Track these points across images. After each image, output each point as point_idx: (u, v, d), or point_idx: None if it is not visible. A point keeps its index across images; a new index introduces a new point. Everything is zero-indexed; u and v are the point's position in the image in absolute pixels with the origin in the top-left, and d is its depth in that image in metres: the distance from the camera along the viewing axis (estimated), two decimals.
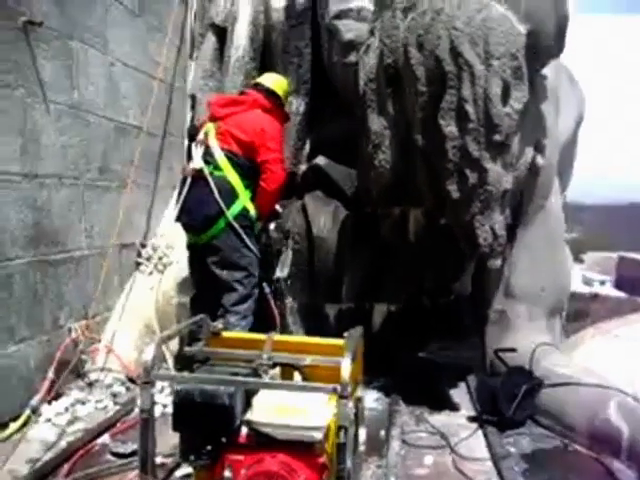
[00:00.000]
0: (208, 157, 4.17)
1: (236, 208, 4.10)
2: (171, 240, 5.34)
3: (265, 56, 5.55)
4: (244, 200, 4.14)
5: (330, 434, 2.36)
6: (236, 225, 4.06)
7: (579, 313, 6.47)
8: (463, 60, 3.62)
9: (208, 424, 2.32)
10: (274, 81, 4.56)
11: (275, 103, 4.43)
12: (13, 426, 3.55)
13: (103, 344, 4.54)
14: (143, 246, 5.26)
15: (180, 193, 4.27)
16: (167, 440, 2.77)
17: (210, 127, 4.28)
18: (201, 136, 4.28)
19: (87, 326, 4.41)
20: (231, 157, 4.16)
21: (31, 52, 3.83)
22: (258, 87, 4.51)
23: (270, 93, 4.44)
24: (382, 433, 3.80)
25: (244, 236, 4.09)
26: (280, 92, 4.50)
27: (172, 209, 5.55)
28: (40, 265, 3.95)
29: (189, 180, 4.20)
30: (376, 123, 4.08)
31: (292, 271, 4.72)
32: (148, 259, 5.21)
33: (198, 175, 4.15)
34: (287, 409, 2.36)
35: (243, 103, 4.37)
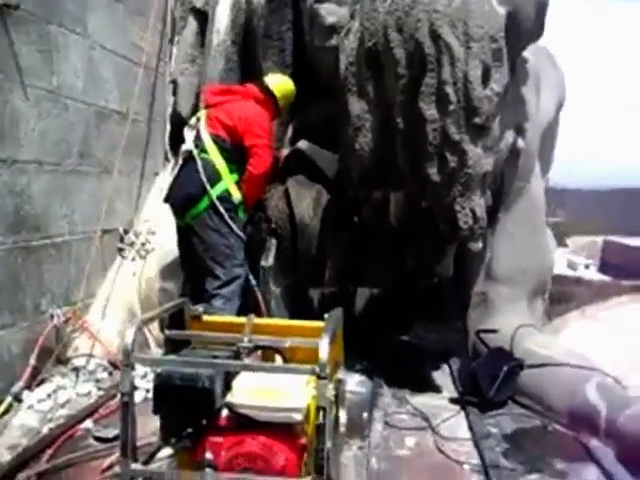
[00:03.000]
0: (198, 141, 4.27)
1: (219, 189, 4.15)
2: (154, 226, 5.32)
3: (247, 40, 5.52)
4: (228, 183, 4.18)
5: (310, 415, 2.38)
6: (218, 205, 4.09)
7: (563, 296, 6.50)
8: (443, 43, 3.63)
9: (189, 407, 2.34)
10: (276, 81, 4.62)
11: (268, 98, 4.47)
12: None
13: (86, 330, 4.52)
14: (126, 232, 5.23)
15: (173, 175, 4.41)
16: (149, 425, 2.77)
17: (202, 113, 4.42)
18: (193, 121, 4.44)
19: (72, 312, 4.39)
20: (218, 141, 4.25)
21: (8, 36, 3.77)
22: (258, 82, 4.58)
23: (266, 89, 4.49)
24: (365, 415, 3.83)
25: (226, 217, 4.12)
26: (277, 92, 4.54)
27: (155, 194, 5.57)
28: (21, 251, 3.92)
29: (180, 162, 4.32)
30: (357, 106, 4.09)
31: (275, 256, 4.73)
32: (131, 245, 5.19)
33: (188, 157, 4.27)
34: (267, 391, 2.38)
35: (237, 93, 4.49)
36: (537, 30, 4.04)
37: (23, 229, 3.95)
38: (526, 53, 4.32)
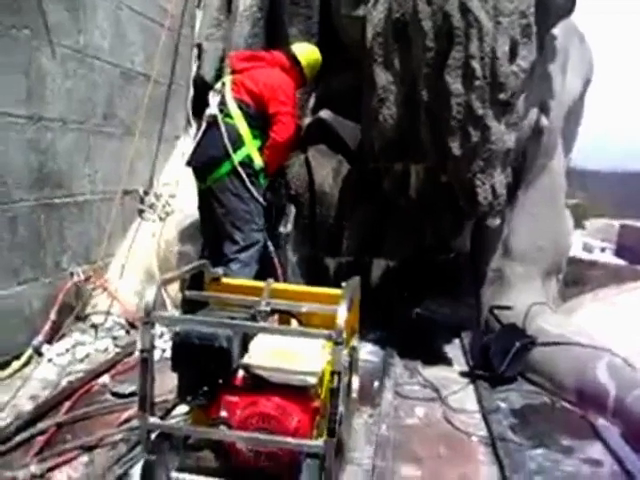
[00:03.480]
0: (222, 106, 4.28)
1: (241, 154, 4.16)
2: (174, 189, 5.37)
3: (273, 6, 5.49)
4: (250, 148, 4.19)
5: (324, 379, 2.43)
6: (240, 170, 4.12)
7: (578, 279, 6.52)
8: (472, 16, 3.59)
9: (206, 365, 2.39)
10: (303, 50, 4.60)
11: (294, 66, 4.47)
12: (15, 364, 3.64)
13: (104, 289, 4.60)
14: (146, 193, 5.28)
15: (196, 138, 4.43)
16: (165, 383, 2.84)
17: (228, 78, 4.43)
18: (219, 86, 4.44)
19: (92, 270, 4.46)
20: (242, 107, 4.25)
21: None
22: (285, 49, 4.58)
23: (293, 57, 4.48)
24: (376, 384, 3.88)
25: (247, 182, 4.14)
26: (303, 61, 4.53)
27: (176, 158, 5.61)
28: (44, 208, 3.99)
29: (204, 126, 4.33)
30: (382, 78, 4.07)
31: (294, 224, 4.76)
32: (150, 206, 5.24)
33: (212, 121, 4.28)
34: (283, 354, 2.43)
35: (263, 59, 4.47)
36: (568, 7, 3.99)
37: (46, 186, 4.01)
38: (555, 30, 4.27)
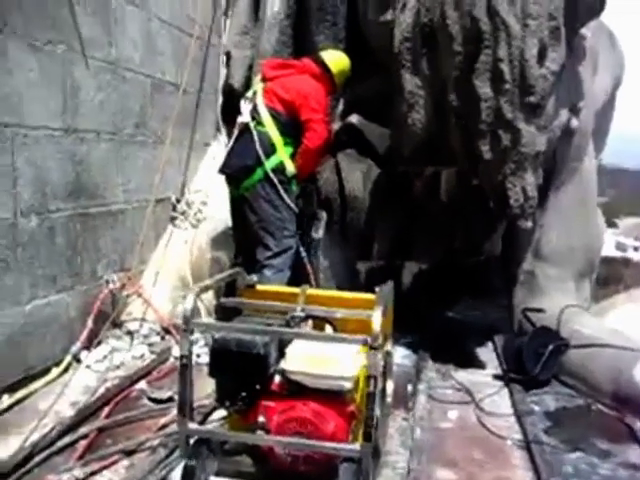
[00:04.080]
0: (254, 113, 4.32)
1: (273, 161, 4.20)
2: (205, 196, 5.43)
3: (300, 13, 5.53)
4: (282, 155, 4.22)
5: (360, 384, 2.46)
6: (272, 176, 4.16)
7: (611, 278, 6.45)
8: (500, 19, 3.60)
9: (243, 371, 2.44)
10: (332, 57, 4.61)
11: (325, 73, 4.49)
12: (55, 371, 3.71)
13: (139, 296, 4.67)
14: (178, 201, 5.36)
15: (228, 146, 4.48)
16: (201, 388, 2.90)
17: (259, 86, 4.45)
18: (250, 94, 4.48)
19: (127, 278, 4.54)
20: (274, 114, 4.28)
21: (71, 8, 3.87)
22: (315, 57, 4.60)
23: (322, 64, 4.50)
24: (409, 388, 3.90)
25: (280, 189, 4.18)
26: (333, 68, 4.53)
27: (206, 165, 5.68)
28: (80, 218, 4.06)
29: (236, 133, 4.38)
30: (410, 82, 4.09)
31: (325, 229, 4.79)
32: (183, 214, 5.31)
33: (245, 129, 4.32)
34: (319, 359, 2.46)
35: (293, 67, 4.50)
36: (597, 7, 3.97)
37: (82, 196, 4.08)
38: (584, 30, 4.25)
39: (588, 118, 4.62)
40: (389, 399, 3.07)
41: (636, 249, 9.68)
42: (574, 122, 4.33)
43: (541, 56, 3.67)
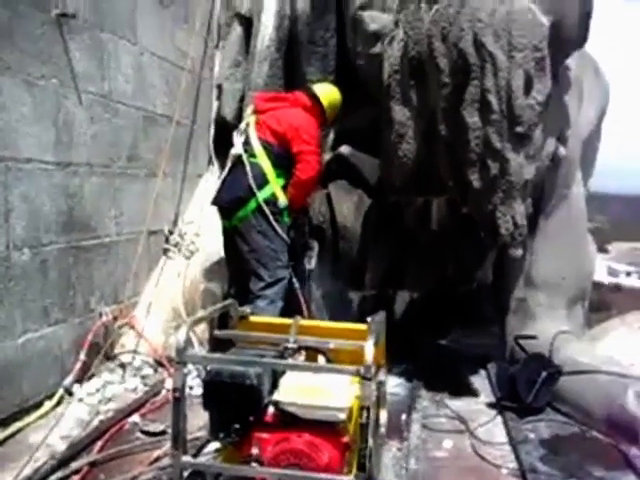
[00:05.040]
0: (247, 145, 4.37)
1: (265, 193, 4.23)
2: (198, 227, 5.45)
3: (291, 46, 5.61)
4: (274, 187, 4.25)
5: (353, 414, 2.46)
6: (265, 208, 4.18)
7: (604, 304, 6.46)
8: (486, 52, 3.67)
9: (237, 403, 2.43)
10: (324, 90, 4.68)
11: (316, 106, 4.54)
12: (48, 404, 3.69)
13: (132, 328, 4.66)
14: (171, 233, 5.37)
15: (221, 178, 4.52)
16: (194, 420, 2.89)
17: (251, 118, 4.50)
18: (242, 126, 4.53)
19: (120, 310, 4.53)
20: (266, 146, 4.32)
21: (64, 44, 3.92)
22: (306, 90, 4.66)
23: (314, 97, 4.56)
24: (403, 417, 3.89)
25: (272, 220, 4.21)
26: (324, 101, 4.59)
27: (199, 197, 5.70)
28: (72, 251, 4.07)
29: (229, 165, 4.42)
30: (400, 114, 4.15)
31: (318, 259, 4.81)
32: (175, 245, 5.32)
33: (237, 161, 4.37)
34: (312, 390, 2.46)
35: (285, 100, 4.57)
36: (580, 39, 4.06)
37: (75, 229, 4.09)
38: (569, 60, 4.33)
39: (575, 146, 4.69)
40: (383, 429, 3.06)
41: (628, 274, 9.71)
42: (562, 151, 4.39)
43: (527, 87, 3.74)
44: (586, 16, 3.98)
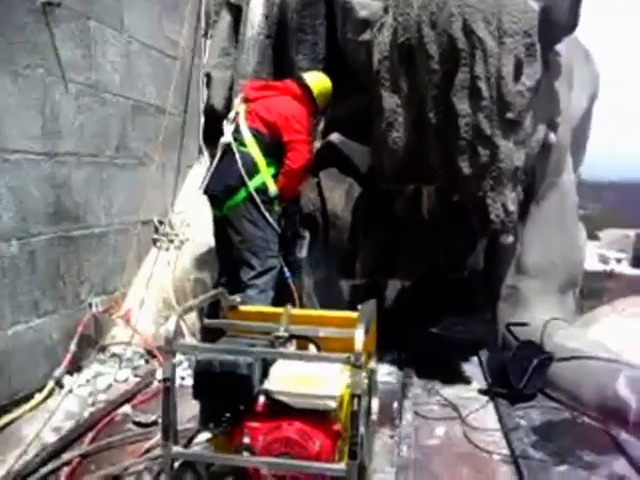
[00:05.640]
0: (236, 134, 4.33)
1: (256, 182, 4.20)
2: (188, 217, 5.43)
3: (280, 34, 5.57)
4: (265, 176, 4.22)
5: (344, 403, 2.46)
6: (255, 197, 4.16)
7: (594, 290, 6.49)
8: (476, 38, 3.65)
9: (227, 393, 2.42)
10: (314, 79, 4.63)
11: (306, 94, 4.51)
12: (38, 397, 3.69)
13: (123, 319, 4.65)
14: (161, 223, 5.35)
15: (211, 167, 4.47)
16: (186, 410, 2.88)
17: (241, 107, 4.46)
18: (232, 115, 4.48)
19: (110, 301, 4.52)
20: (256, 135, 4.29)
21: (50, 32, 3.89)
22: (297, 78, 4.63)
23: (304, 86, 4.53)
24: (395, 405, 3.89)
25: (263, 209, 4.18)
26: (315, 89, 4.55)
27: (189, 187, 5.68)
28: (62, 241, 4.06)
29: (219, 154, 4.38)
30: (389, 101, 4.12)
31: (309, 248, 4.79)
32: (165, 235, 5.31)
33: (227, 150, 4.33)
34: (303, 379, 2.46)
35: (275, 89, 4.52)
36: (571, 24, 4.02)
37: (64, 220, 4.08)
38: (559, 47, 4.31)
39: (566, 133, 4.68)
40: (374, 417, 3.06)
41: (619, 261, 9.75)
42: (552, 137, 4.37)
43: (517, 73, 3.72)
44: (576, 2, 3.95)
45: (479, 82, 3.68)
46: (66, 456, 3.09)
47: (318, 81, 4.62)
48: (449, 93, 3.78)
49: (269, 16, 5.53)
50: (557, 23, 3.90)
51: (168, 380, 2.39)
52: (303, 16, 5.33)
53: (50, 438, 3.18)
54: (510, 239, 4.07)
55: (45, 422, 3.27)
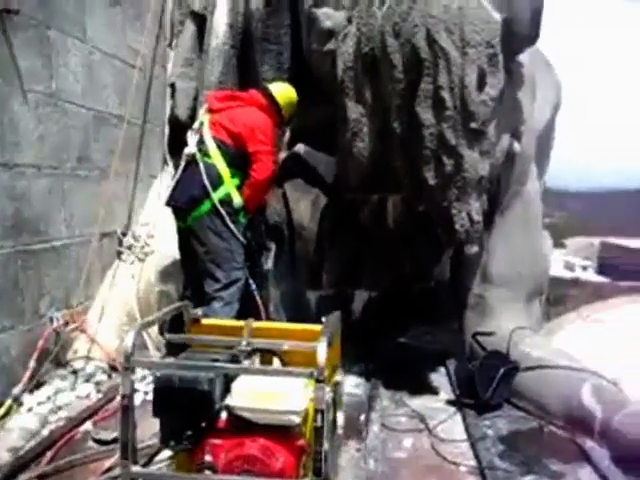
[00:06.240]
0: (201, 145, 4.27)
1: (220, 193, 4.15)
2: (152, 229, 5.35)
3: (244, 44, 5.54)
4: (229, 187, 4.18)
5: (308, 418, 2.41)
6: (220, 208, 4.11)
7: (560, 298, 6.54)
8: (439, 48, 3.66)
9: (188, 409, 2.37)
10: (279, 89, 4.61)
11: (271, 105, 4.48)
12: None
13: (84, 333, 4.55)
14: (124, 235, 5.26)
15: (175, 178, 4.41)
16: (149, 427, 2.80)
17: (205, 118, 4.40)
18: (196, 125, 4.43)
19: (71, 315, 4.42)
20: (221, 146, 4.24)
21: (7, 41, 3.80)
22: (262, 89, 4.59)
23: (270, 96, 4.50)
24: (362, 417, 3.86)
25: (227, 221, 4.13)
26: (280, 100, 4.53)
27: (153, 198, 5.61)
28: (20, 255, 3.95)
29: (182, 165, 4.32)
30: (354, 111, 4.12)
31: (274, 260, 4.76)
32: (129, 248, 5.22)
33: (191, 160, 4.27)
34: (266, 394, 2.41)
35: (240, 99, 4.48)
36: (533, 35, 4.06)
37: (22, 233, 3.98)
38: (521, 57, 4.35)
39: (530, 142, 4.72)
40: (340, 430, 3.03)
41: (584, 268, 9.87)
42: (516, 147, 4.41)
43: (481, 83, 3.74)
44: (538, 14, 3.99)
45: (443, 92, 3.69)
46: (23, 477, 2.99)
47: (283, 92, 4.60)
48: (413, 103, 3.78)
49: (233, 26, 5.51)
50: (519, 34, 3.93)
51: (126, 397, 2.32)
52: (268, 25, 5.33)
53: (5, 458, 3.07)
54: (475, 249, 4.08)
55: (1, 442, 3.16)
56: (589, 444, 3.45)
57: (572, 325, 5.50)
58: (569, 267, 8.84)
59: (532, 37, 4.07)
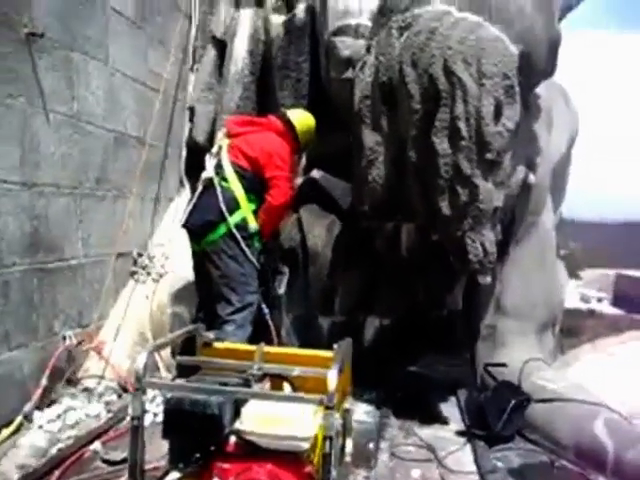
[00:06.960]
0: (219, 169, 4.30)
1: (236, 217, 4.17)
2: (167, 250, 5.39)
3: (264, 70, 5.62)
4: (245, 211, 4.20)
5: (317, 444, 2.40)
6: (235, 232, 4.13)
7: (575, 330, 6.51)
8: (456, 79, 3.68)
9: (197, 432, 2.36)
10: (298, 116, 4.65)
11: (289, 131, 4.52)
12: (5, 432, 3.58)
13: (97, 353, 4.57)
14: (139, 255, 5.30)
15: (191, 201, 4.43)
16: (157, 448, 2.81)
17: (224, 142, 4.43)
18: (215, 149, 4.46)
19: (86, 335, 4.44)
20: (238, 171, 4.26)
21: (32, 63, 3.89)
22: (280, 115, 4.63)
23: (288, 122, 4.54)
24: (371, 445, 3.84)
25: (242, 245, 4.15)
26: (298, 126, 4.57)
27: (169, 219, 5.65)
28: (36, 273, 4.00)
29: (200, 188, 4.35)
30: (370, 139, 4.15)
31: (288, 285, 4.76)
32: (144, 268, 5.26)
33: (208, 184, 4.29)
34: (275, 419, 2.40)
35: (259, 124, 4.51)
36: (549, 68, 4.10)
37: (39, 251, 4.03)
38: (539, 89, 4.37)
39: (545, 174, 4.72)
40: (348, 458, 3.01)
41: (599, 300, 9.81)
42: (531, 178, 4.42)
43: (497, 114, 3.75)
44: (555, 47, 4.03)
45: (459, 122, 3.71)
46: None
47: (301, 118, 4.64)
48: (429, 132, 3.80)
49: (254, 52, 5.61)
50: (536, 67, 3.97)
51: (136, 418, 2.33)
52: (287, 53, 5.42)
53: (14, 476, 3.08)
54: (488, 279, 4.07)
55: (8, 458, 3.17)
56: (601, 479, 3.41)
57: (587, 357, 5.46)
58: (585, 299, 8.79)
59: (549, 70, 4.11)
